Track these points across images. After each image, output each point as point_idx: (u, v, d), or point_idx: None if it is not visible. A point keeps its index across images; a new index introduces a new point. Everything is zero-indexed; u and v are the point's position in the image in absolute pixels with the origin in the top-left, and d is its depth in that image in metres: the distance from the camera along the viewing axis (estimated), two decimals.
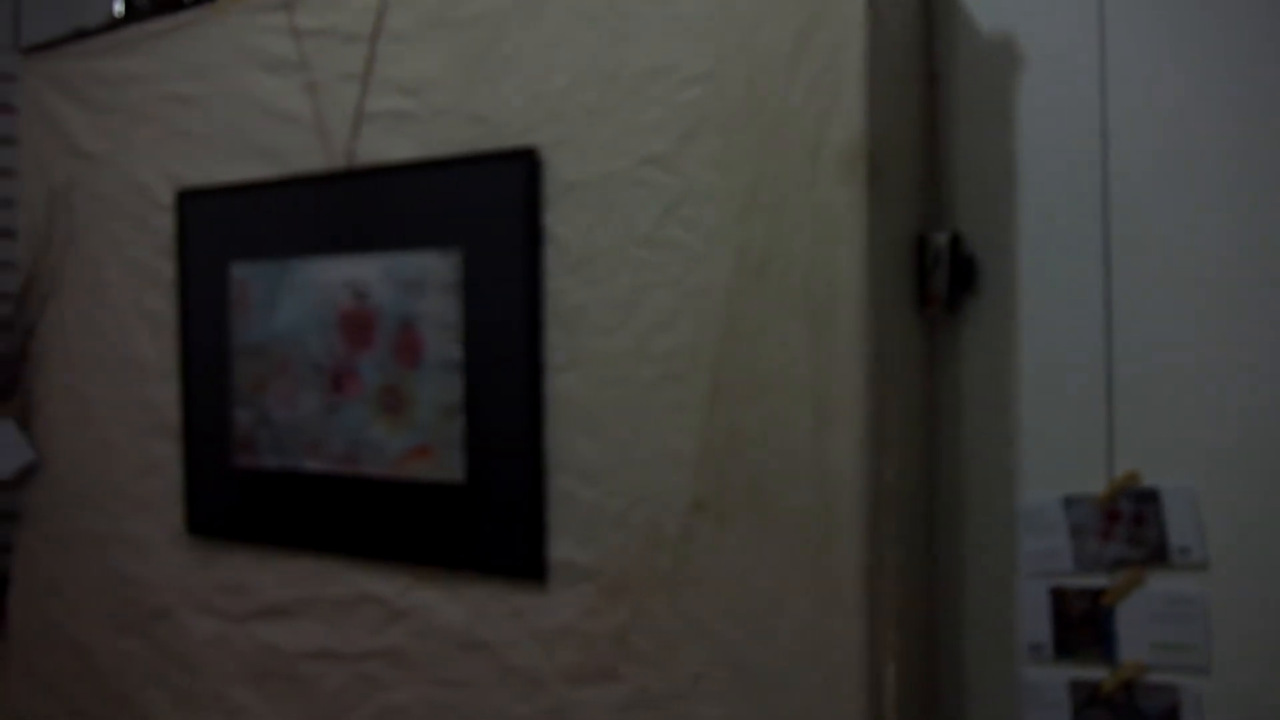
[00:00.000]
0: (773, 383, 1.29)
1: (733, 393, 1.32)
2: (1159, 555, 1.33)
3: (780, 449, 1.28)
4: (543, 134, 1.46)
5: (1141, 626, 1.34)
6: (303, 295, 1.66)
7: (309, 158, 1.67)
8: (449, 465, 1.52)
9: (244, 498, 1.75)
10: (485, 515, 1.50)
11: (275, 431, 1.70)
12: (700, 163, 1.35)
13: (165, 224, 1.84)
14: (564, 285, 1.45)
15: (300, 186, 1.67)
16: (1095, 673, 1.36)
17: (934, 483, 1.45)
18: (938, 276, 1.41)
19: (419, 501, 1.56)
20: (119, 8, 2.17)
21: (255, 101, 1.73)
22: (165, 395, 1.85)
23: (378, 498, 1.59)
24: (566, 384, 1.44)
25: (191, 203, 1.79)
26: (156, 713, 1.85)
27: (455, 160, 1.52)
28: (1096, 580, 1.37)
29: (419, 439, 1.55)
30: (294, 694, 1.70)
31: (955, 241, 1.41)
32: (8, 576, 2.11)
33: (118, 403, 1.92)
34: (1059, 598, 1.39)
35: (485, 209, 1.49)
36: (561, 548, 1.45)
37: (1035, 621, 1.41)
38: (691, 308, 1.35)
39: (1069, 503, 1.39)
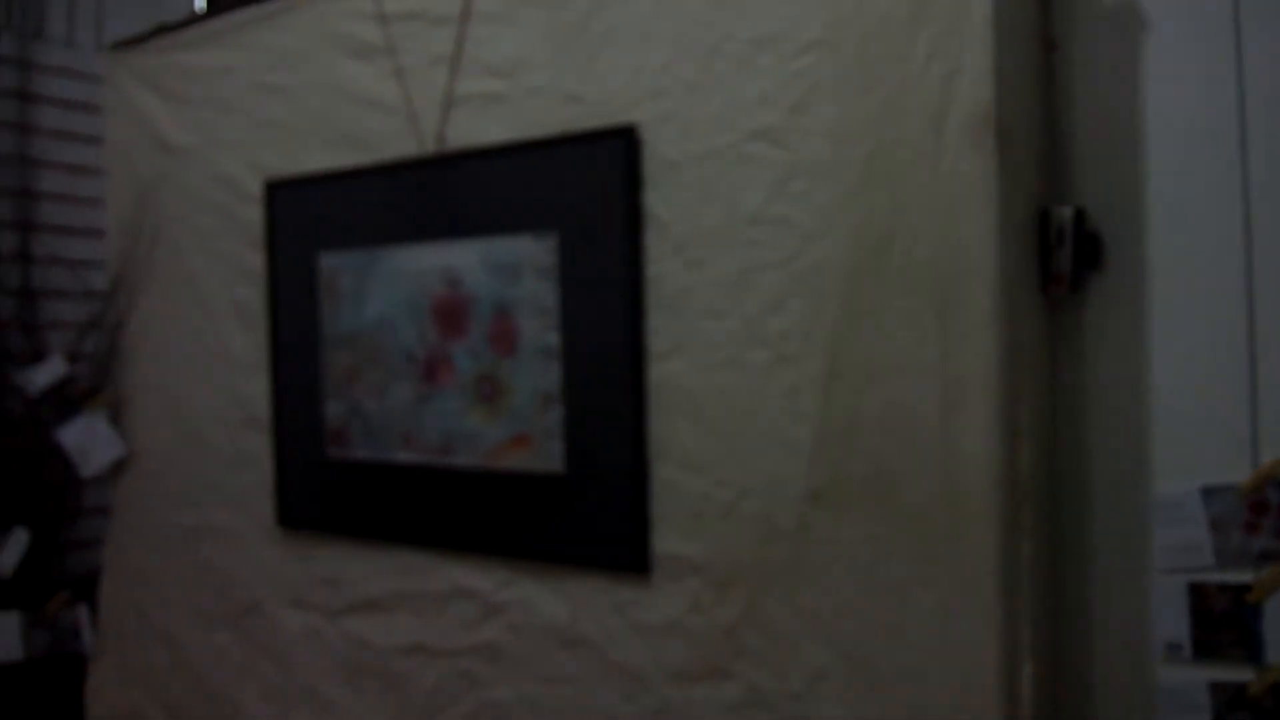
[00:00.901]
0: (895, 365, 1.22)
1: (851, 376, 1.25)
2: None
3: (904, 435, 1.21)
4: (642, 111, 1.41)
5: None
6: (393, 284, 1.63)
7: (398, 144, 1.64)
8: (548, 455, 1.48)
9: (336, 490, 1.72)
10: (586, 507, 1.45)
11: (367, 423, 1.67)
12: (812, 135, 1.28)
13: (253, 215, 1.82)
14: (666, 268, 1.39)
15: (389, 173, 1.64)
16: (1239, 674, 1.27)
17: (1059, 472, 1.36)
18: (1061, 254, 1.33)
19: (516, 493, 1.51)
20: (200, 2, 2.17)
21: (342, 89, 1.71)
22: (255, 388, 1.83)
23: (473, 489, 1.56)
24: (670, 370, 1.39)
25: (279, 193, 1.78)
26: (248, 708, 1.84)
27: (550, 141, 1.47)
28: (1240, 575, 1.27)
29: (516, 429, 1.51)
30: (387, 691, 1.67)
31: (1079, 217, 1.32)
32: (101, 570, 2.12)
33: (208, 396, 1.91)
34: (1198, 594, 1.30)
35: (582, 191, 1.44)
36: (666, 540, 1.40)
37: (1172, 620, 1.31)
38: (804, 288, 1.29)
39: (1209, 493, 1.29)
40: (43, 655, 2.06)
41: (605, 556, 1.44)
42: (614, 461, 1.42)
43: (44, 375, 2.01)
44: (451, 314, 1.57)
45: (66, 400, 2.04)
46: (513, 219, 1.50)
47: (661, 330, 1.39)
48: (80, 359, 2.09)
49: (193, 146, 1.92)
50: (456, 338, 1.56)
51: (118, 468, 2.08)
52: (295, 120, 1.77)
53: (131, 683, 2.03)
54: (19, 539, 2.03)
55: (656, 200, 1.40)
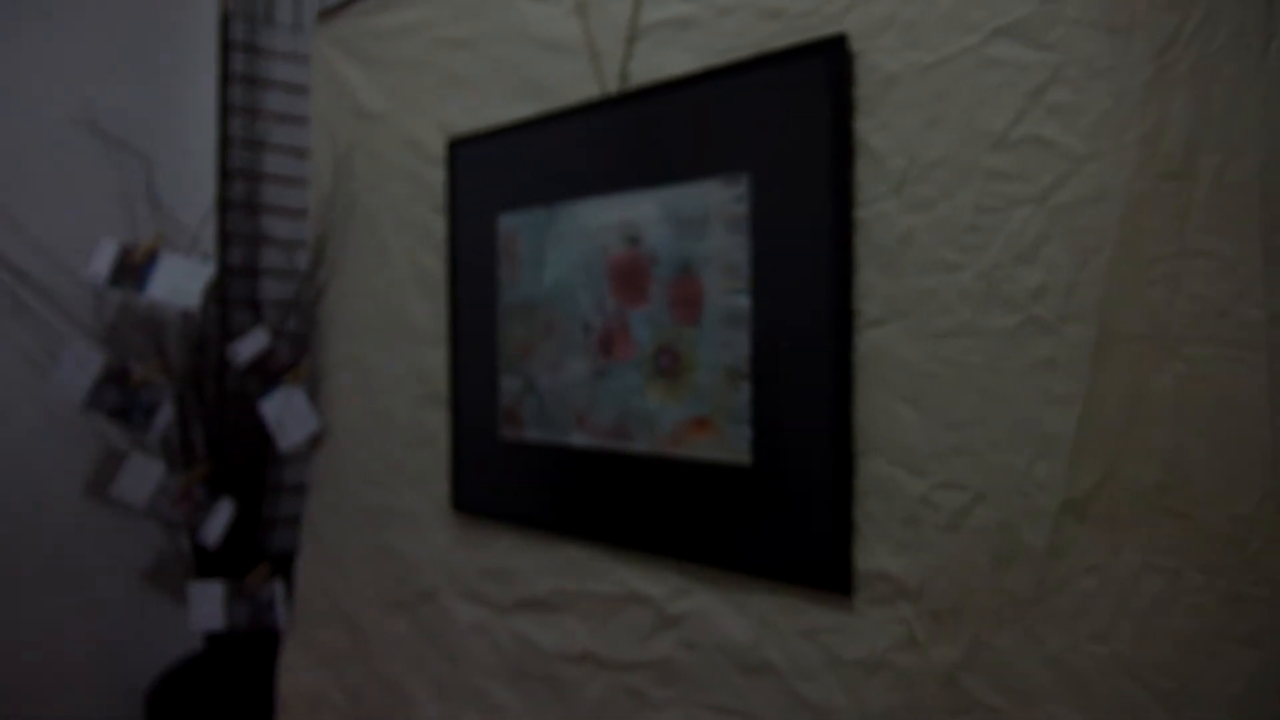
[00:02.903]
0: (1199, 329, 0.88)
1: (1132, 346, 0.92)
2: None
3: (1211, 425, 0.87)
4: (854, 18, 1.13)
5: None
6: (570, 244, 1.44)
7: (580, 87, 1.45)
8: (732, 442, 1.23)
9: (509, 474, 1.56)
10: (775, 506, 1.19)
11: (541, 400, 1.49)
12: (1080, 26, 0.96)
13: (437, 178, 1.70)
14: (881, 211, 1.11)
15: (568, 120, 1.45)
16: None
17: None
18: None
19: (696, 485, 1.28)
20: None
21: (525, 33, 1.54)
22: (436, 361, 1.71)
23: (648, 479, 1.34)
24: (885, 339, 1.10)
25: (461, 151, 1.64)
26: (419, 702, 1.72)
27: (743, 65, 1.23)
28: None
29: (697, 409, 1.27)
30: (553, 699, 1.48)
31: None
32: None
33: (394, 370, 1.82)
34: None
35: (779, 122, 1.19)
36: (873, 554, 1.11)
37: None
38: (1067, 229, 0.97)
39: None
40: (243, 627, 2.05)
41: (797, 569, 1.17)
42: (811, 453, 1.15)
43: (248, 347, 2.00)
44: (630, 276, 1.36)
45: (268, 374, 2.02)
46: (699, 162, 1.27)
47: (874, 289, 1.11)
48: (284, 335, 2.07)
49: (384, 111, 1.84)
50: (636, 303, 1.35)
51: (314, 443, 2.04)
52: (478, 73, 1.63)
53: (319, 664, 1.97)
54: (224, 510, 2.03)
55: (870, 127, 1.12)
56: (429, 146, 1.72)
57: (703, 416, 1.27)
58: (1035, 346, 0.98)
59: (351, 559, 1.92)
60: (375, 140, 1.86)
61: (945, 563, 1.05)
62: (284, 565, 2.08)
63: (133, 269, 2.01)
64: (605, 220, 1.39)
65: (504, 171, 1.56)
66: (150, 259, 2.01)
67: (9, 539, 2.01)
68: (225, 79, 2.25)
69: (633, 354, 1.35)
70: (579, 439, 1.43)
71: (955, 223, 1.05)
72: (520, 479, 1.54)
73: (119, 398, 2.02)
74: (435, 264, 1.72)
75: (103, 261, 1.99)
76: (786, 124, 1.18)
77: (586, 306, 1.42)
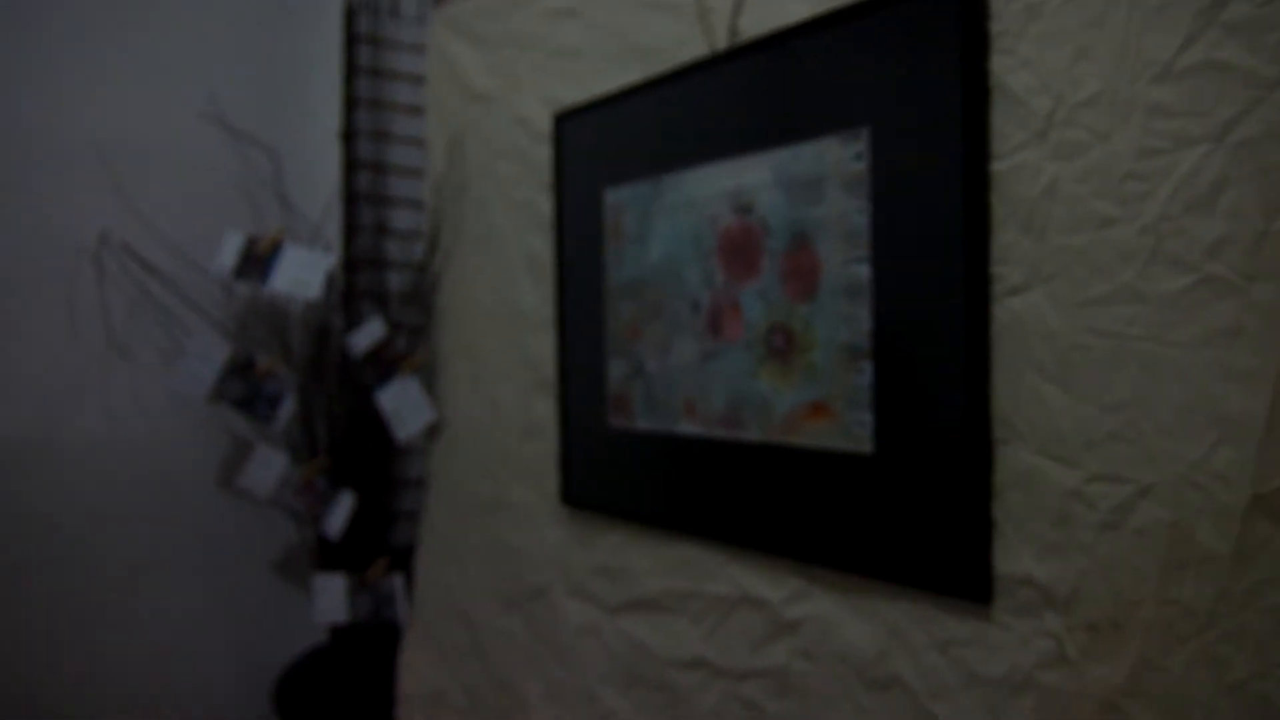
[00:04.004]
0: None
1: None
2: None
3: None
4: None
5: None
6: (677, 217, 1.34)
7: (688, 48, 1.35)
8: (853, 429, 1.10)
9: (618, 465, 1.47)
10: (901, 501, 1.06)
11: (649, 386, 1.40)
12: None
13: (545, 155, 1.63)
14: (1022, 161, 0.96)
15: (674, 83, 1.35)
16: None
17: None
18: None
19: (812, 477, 1.16)
20: None
21: None
22: (545, 347, 1.64)
23: (762, 470, 1.22)
24: (1027, 308, 0.95)
25: (567, 125, 1.57)
26: (532, 703, 1.65)
27: (863, 6, 1.10)
28: None
29: (813, 393, 1.15)
30: (666, 707, 1.38)
31: None
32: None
33: (505, 358, 1.76)
34: None
35: (904, 67, 1.05)
36: (1015, 557, 0.96)
37: None
38: (1253, 170, 0.80)
39: None
40: (365, 620, 2.04)
41: (927, 572, 1.03)
42: (942, 440, 1.01)
43: (364, 337, 1.99)
44: (741, 248, 1.25)
45: (385, 364, 2.01)
46: (814, 118, 1.15)
47: (1014, 251, 0.97)
48: (402, 327, 2.05)
49: (495, 91, 1.78)
50: (746, 278, 1.24)
51: (430, 434, 2.01)
52: (584, 43, 1.55)
53: (438, 661, 1.94)
54: (346, 502, 2.03)
55: (1008, 66, 0.97)
56: (536, 123, 1.66)
57: (819, 401, 1.14)
58: (1213, 312, 0.82)
59: (467, 554, 1.87)
60: (485, 121, 1.81)
61: (1103, 568, 0.89)
62: (405, 559, 2.06)
63: (257, 261, 2.03)
64: (714, 189, 1.28)
65: (609, 144, 1.48)
66: (274, 251, 2.02)
67: (143, 527, 2.06)
68: (350, 72, 2.26)
69: (743, 334, 1.24)
70: (688, 427, 1.33)
71: (1111, 170, 0.89)
72: (629, 471, 1.45)
73: (244, 389, 2.05)
74: (543, 246, 1.65)
75: (228, 254, 2.01)
76: (911, 69, 1.05)
77: (695, 283, 1.32)
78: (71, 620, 1.98)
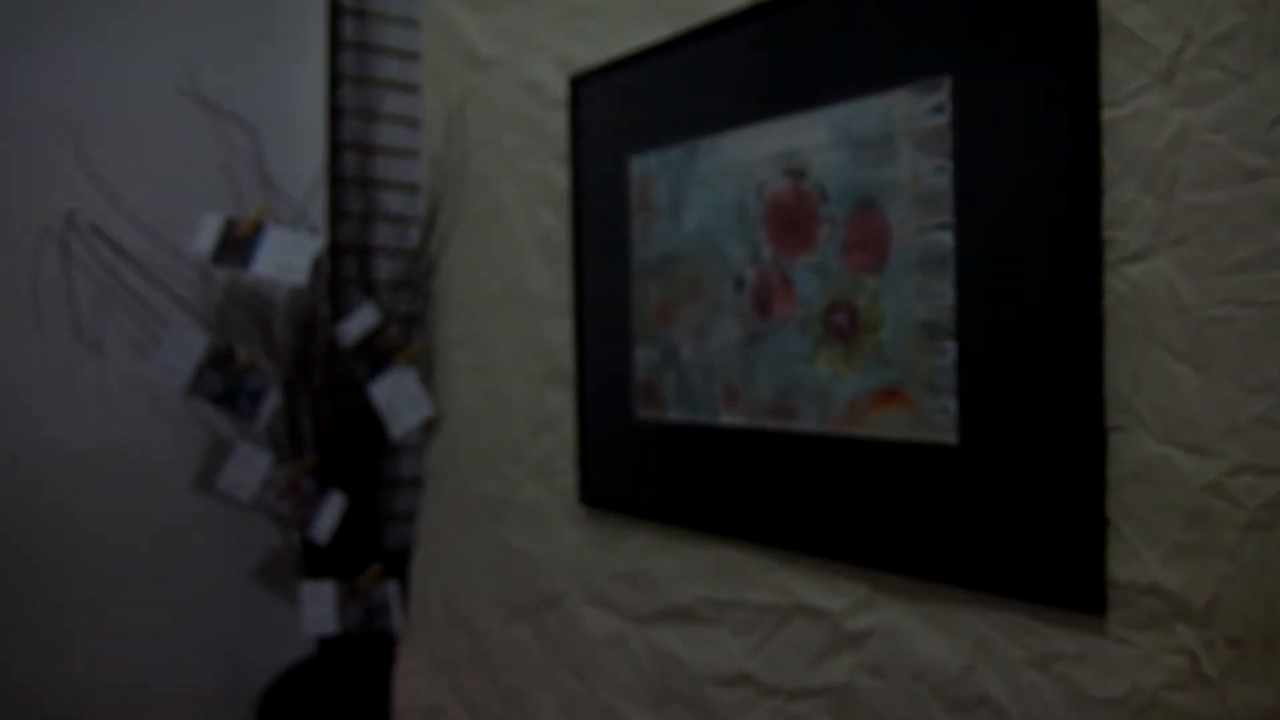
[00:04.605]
0: None
1: None
2: None
3: None
4: None
5: None
6: (716, 184, 1.21)
7: None
8: (932, 416, 0.98)
9: (645, 461, 1.34)
10: (993, 497, 0.93)
11: (683, 374, 1.27)
12: None
13: (558, 122, 1.49)
14: (1142, 108, 0.84)
15: (711, 37, 1.22)
16: None
17: None
18: None
19: (882, 472, 1.03)
20: None
21: None
22: (559, 333, 1.51)
23: (819, 465, 1.09)
24: (1149, 277, 0.83)
25: (584, 89, 1.43)
26: (544, 718, 1.52)
27: None
28: None
29: (883, 377, 1.02)
30: None
31: None
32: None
33: (513, 346, 1.62)
34: None
35: (990, 5, 0.93)
36: (1137, 561, 0.84)
37: None
38: None
39: None
40: (355, 631, 1.89)
41: (1024, 578, 0.91)
42: (1042, 427, 0.89)
43: (356, 325, 1.84)
44: (792, 217, 1.11)
45: (378, 355, 1.86)
46: (881, 68, 1.02)
47: (1132, 212, 0.84)
48: (393, 315, 1.90)
49: (499, 55, 1.64)
50: (799, 250, 1.11)
51: (427, 429, 1.87)
52: None
53: (436, 673, 1.80)
54: (335, 504, 1.88)
55: (1122, 0, 0.85)
56: (548, 88, 1.52)
57: (891, 386, 1.01)
58: None
59: (469, 558, 1.73)
60: (489, 88, 1.67)
61: (1250, 574, 0.77)
62: (399, 564, 1.92)
63: (238, 244, 1.87)
64: (760, 152, 1.15)
65: (635, 108, 1.34)
66: (256, 233, 1.87)
67: (116, 533, 1.90)
68: (335, 45, 2.11)
69: (796, 313, 1.11)
70: (730, 418, 1.20)
71: (1257, 114, 0.77)
72: (659, 467, 1.32)
73: (224, 383, 1.89)
74: (557, 222, 1.51)
75: (207, 237, 1.86)
76: (1002, 8, 0.92)
77: (737, 258, 1.19)
78: (37, 635, 1.82)
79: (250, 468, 1.91)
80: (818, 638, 1.11)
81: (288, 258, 1.87)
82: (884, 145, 1.02)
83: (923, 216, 0.98)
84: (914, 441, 1.00)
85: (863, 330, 1.04)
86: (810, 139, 1.09)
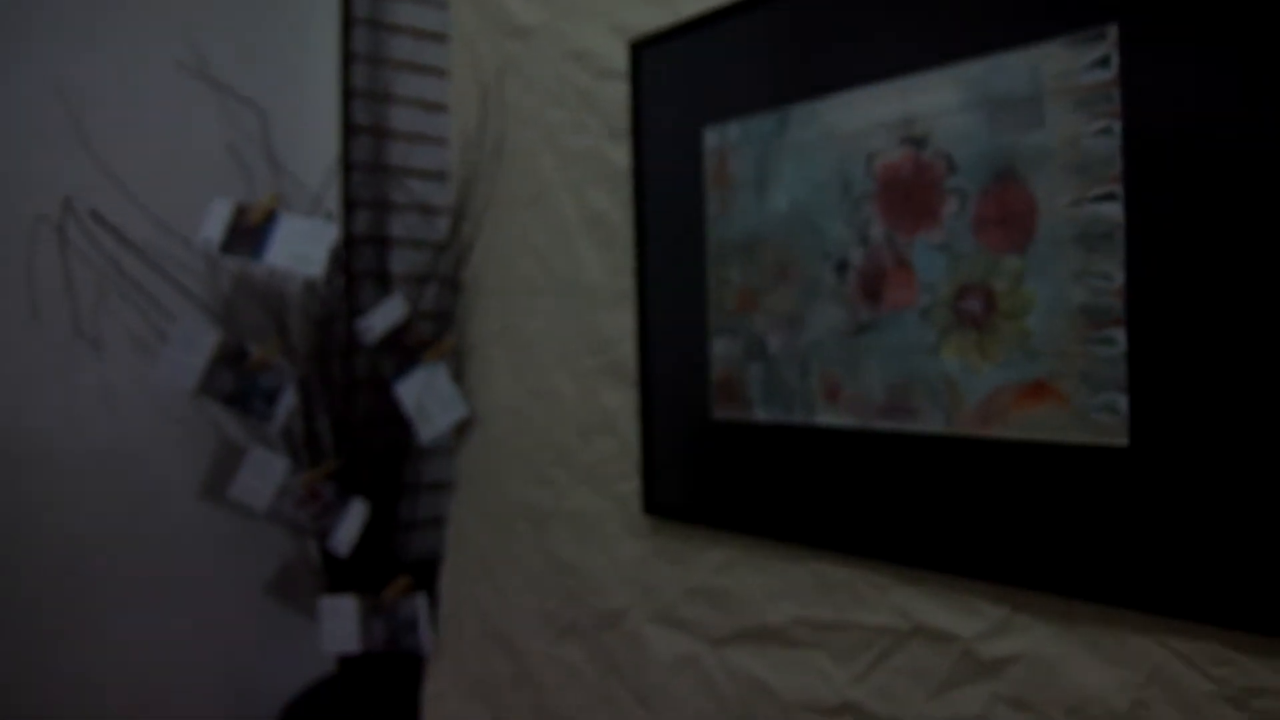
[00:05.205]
0: None
1: None
2: None
3: None
4: None
5: None
6: (814, 155, 1.08)
7: None
8: (1095, 415, 0.85)
9: (725, 466, 1.21)
10: (1172, 506, 0.81)
11: (771, 368, 1.14)
12: None
13: (614, 94, 1.36)
14: None
15: None
16: None
17: None
18: None
19: (1029, 477, 0.90)
20: None
21: None
22: (617, 325, 1.37)
23: (946, 469, 0.97)
24: None
25: (647, 55, 1.30)
26: None
27: None
28: None
29: (1029, 371, 0.90)
30: None
31: None
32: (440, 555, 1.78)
33: (560, 340, 1.49)
34: None
35: None
36: None
37: None
38: None
39: None
40: (380, 649, 1.75)
41: (1213, 599, 0.79)
42: (1237, 424, 0.77)
43: (381, 318, 1.70)
44: (911, 191, 0.99)
45: (405, 351, 1.72)
46: (1026, 19, 0.90)
47: None
48: (420, 308, 1.76)
49: (542, 22, 1.51)
50: (919, 227, 0.98)
51: (457, 431, 1.73)
52: None
53: (472, 695, 1.66)
54: (357, 512, 1.74)
55: None
56: (601, 57, 1.38)
57: (1040, 380, 0.89)
58: None
59: (508, 571, 1.60)
60: (531, 60, 1.53)
61: None
62: (427, 576, 1.78)
63: (248, 233, 1.73)
64: (869, 118, 1.02)
65: (709, 73, 1.21)
66: (268, 221, 1.73)
67: (118, 546, 1.75)
68: (347, 22, 1.96)
69: (917, 298, 0.98)
70: (830, 417, 1.07)
71: None
72: (742, 473, 1.19)
73: (235, 382, 1.75)
74: (612, 204, 1.38)
75: (215, 225, 1.71)
76: None
77: (840, 237, 1.06)
78: (30, 656, 1.66)
79: (264, 474, 1.76)
80: (943, 664, 0.99)
81: (303, 247, 1.73)
82: (1029, 107, 0.89)
83: (1080, 187, 0.86)
84: (1070, 444, 0.87)
85: (1002, 316, 0.91)
86: (934, 102, 0.96)
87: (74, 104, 1.68)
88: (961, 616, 0.97)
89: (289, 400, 1.76)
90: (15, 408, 1.65)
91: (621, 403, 1.37)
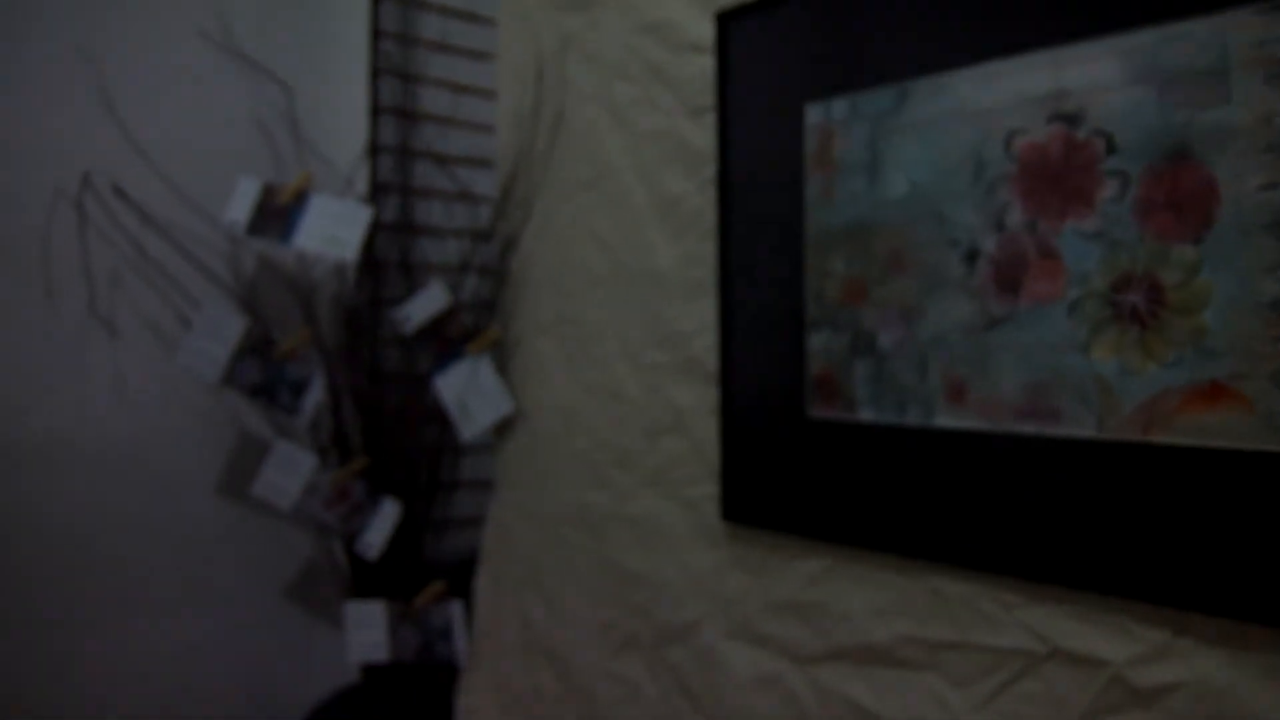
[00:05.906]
0: None
1: None
2: None
3: None
4: None
5: None
6: (938, 136, 0.99)
7: None
8: None
9: (822, 470, 1.12)
10: None
11: (882, 365, 1.05)
12: None
13: (695, 70, 1.27)
14: None
15: None
16: None
17: None
18: None
19: (1204, 488, 0.82)
20: None
21: None
22: (692, 317, 1.28)
23: (1099, 478, 0.88)
24: None
25: (736, 25, 1.21)
26: None
27: None
28: None
29: (1207, 371, 0.81)
30: None
31: None
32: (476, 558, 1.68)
33: (624, 332, 1.39)
34: None
35: None
36: None
37: None
38: None
39: None
40: (411, 658, 1.65)
41: None
42: None
43: (421, 308, 1.60)
44: (1059, 173, 0.90)
45: (447, 342, 1.62)
46: None
47: None
48: (461, 299, 1.66)
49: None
50: (1067, 213, 0.90)
51: (501, 428, 1.63)
52: None
53: (511, 710, 1.56)
54: (389, 513, 1.64)
55: None
56: (680, 28, 1.29)
57: (1218, 381, 0.81)
58: None
59: (558, 579, 1.50)
60: (592, 34, 1.43)
61: None
62: (463, 582, 1.68)
63: (277, 214, 1.62)
64: (1011, 94, 0.94)
65: (811, 44, 1.12)
66: (298, 202, 1.62)
67: (134, 546, 1.63)
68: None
69: (1064, 291, 0.90)
70: (953, 420, 0.99)
71: None
72: (843, 478, 1.10)
73: (261, 373, 1.64)
74: (689, 187, 1.28)
75: (241, 205, 1.60)
76: None
77: (968, 224, 0.97)
78: (38, 661, 1.55)
79: (291, 470, 1.65)
80: (1086, 691, 0.90)
81: (336, 230, 1.63)
82: (1213, 80, 0.81)
83: (1273, 169, 0.78)
84: (1257, 451, 0.79)
85: (1172, 312, 0.83)
86: (1091, 75, 0.88)
87: (94, 73, 1.56)
88: (1112, 639, 0.89)
89: (318, 393, 1.66)
90: (26, 394, 1.53)
91: (695, 401, 1.28)
